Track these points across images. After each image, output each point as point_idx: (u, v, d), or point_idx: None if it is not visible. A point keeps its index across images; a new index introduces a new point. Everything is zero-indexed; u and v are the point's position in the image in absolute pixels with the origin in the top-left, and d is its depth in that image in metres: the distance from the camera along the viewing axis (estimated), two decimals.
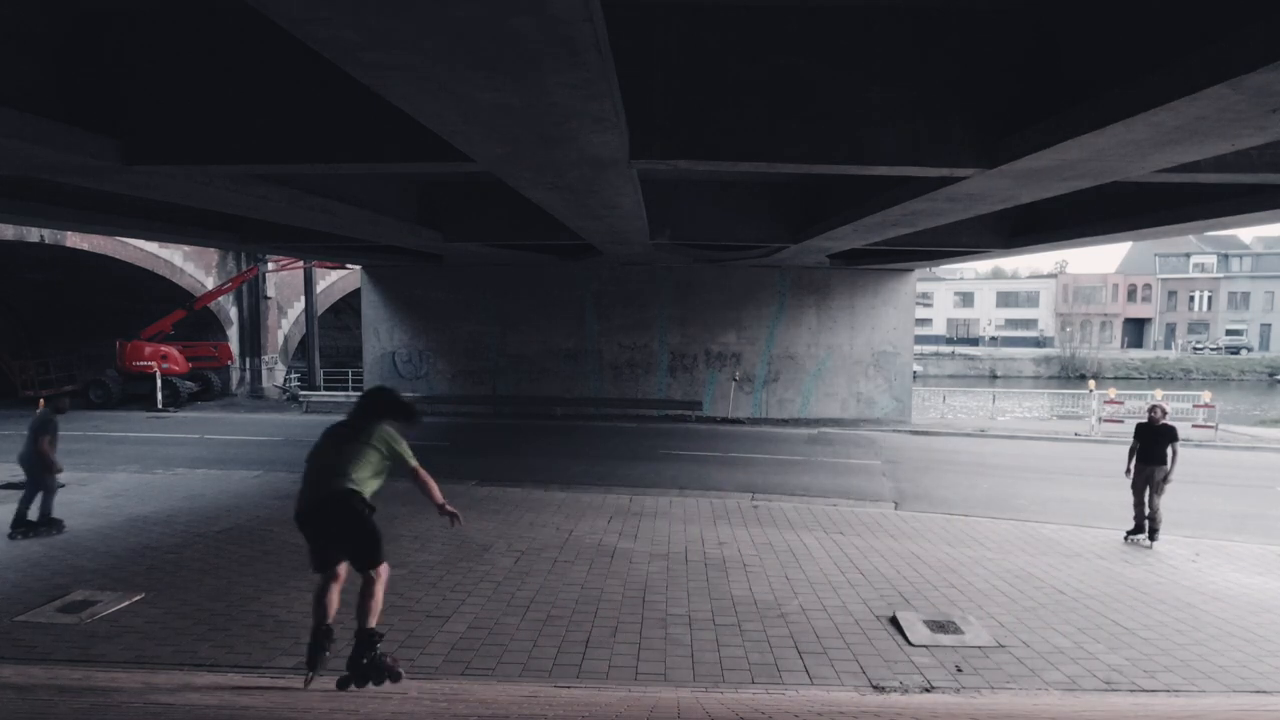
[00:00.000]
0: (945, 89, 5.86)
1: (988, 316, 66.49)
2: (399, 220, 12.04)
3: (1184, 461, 14.48)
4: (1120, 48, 4.71)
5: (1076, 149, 5.37)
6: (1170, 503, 10.62)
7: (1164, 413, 9.04)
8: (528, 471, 12.35)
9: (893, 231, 11.37)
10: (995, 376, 48.84)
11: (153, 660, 5.15)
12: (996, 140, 5.93)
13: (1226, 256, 61.67)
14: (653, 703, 4.40)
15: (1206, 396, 15.47)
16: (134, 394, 20.46)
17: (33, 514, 8.32)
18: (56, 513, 8.51)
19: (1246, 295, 60.85)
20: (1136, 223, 10.32)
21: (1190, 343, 58.84)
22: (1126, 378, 45.67)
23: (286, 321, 26.21)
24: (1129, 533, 8.81)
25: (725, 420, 19.58)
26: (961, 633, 5.81)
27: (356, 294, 23.53)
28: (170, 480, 11.18)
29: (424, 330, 21.00)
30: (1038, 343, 60.63)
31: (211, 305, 22.75)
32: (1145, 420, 9.08)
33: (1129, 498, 8.95)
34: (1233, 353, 55.23)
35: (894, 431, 18.18)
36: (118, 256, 19.65)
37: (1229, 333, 59.15)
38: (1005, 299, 67.23)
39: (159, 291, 21.76)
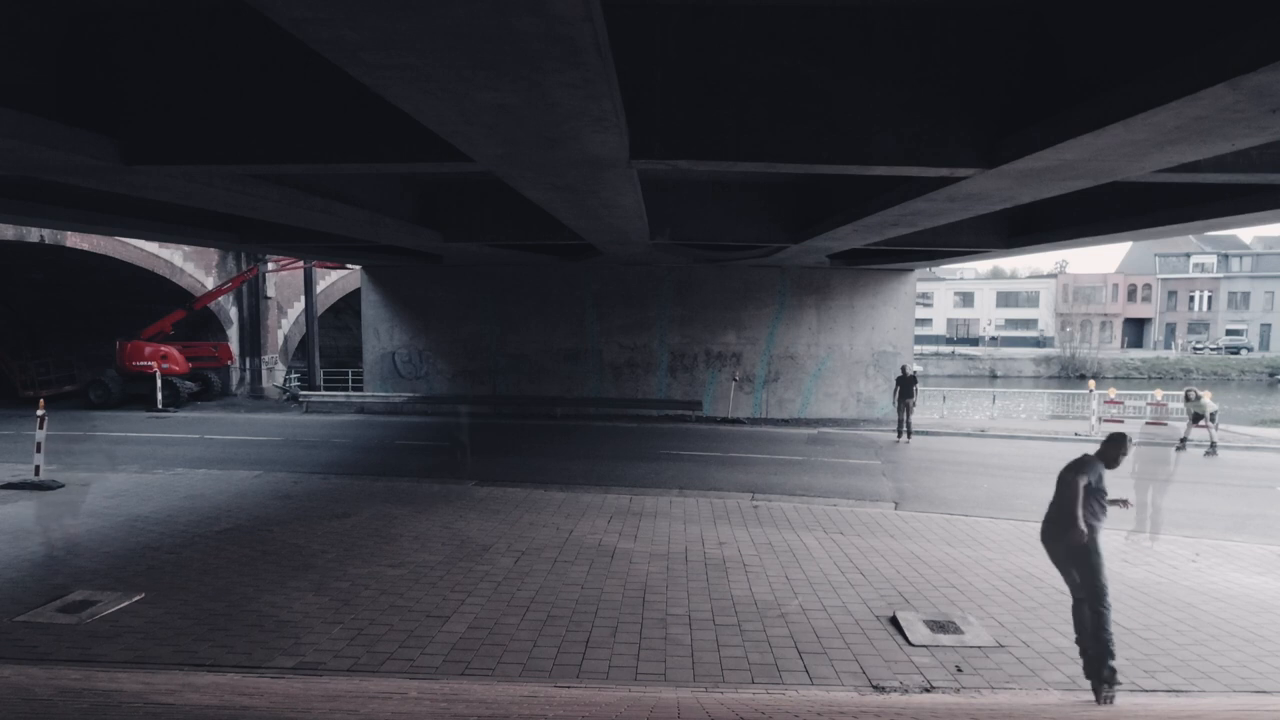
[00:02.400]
0: (945, 89, 5.86)
1: (988, 316, 66.52)
2: (399, 220, 12.05)
3: (1184, 461, 14.59)
4: (1120, 48, 4.71)
5: (1076, 149, 5.37)
6: (1170, 503, 10.60)
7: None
8: (528, 471, 12.35)
9: (893, 231, 11.37)
10: (995, 376, 48.85)
11: (153, 660, 5.15)
12: (996, 140, 5.93)
13: (1226, 256, 61.70)
14: (653, 703, 4.40)
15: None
16: (134, 394, 20.46)
17: None
18: (53, 515, 8.54)
19: (1246, 295, 60.89)
20: (1136, 223, 10.33)
21: (1190, 343, 58.87)
22: (1126, 378, 45.69)
23: (286, 321, 26.21)
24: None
25: (725, 420, 19.58)
26: (961, 633, 5.81)
27: (356, 294, 23.54)
28: (170, 480, 11.18)
29: (424, 330, 21.01)
30: (1038, 343, 60.66)
31: (211, 305, 22.75)
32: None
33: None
34: (1233, 353, 55.25)
35: (894, 431, 18.14)
36: (118, 256, 19.66)
37: (1229, 333, 59.18)
38: (1005, 299, 67.26)
39: (159, 291, 21.77)
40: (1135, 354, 55.28)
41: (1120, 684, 4.92)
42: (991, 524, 9.40)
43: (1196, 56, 3.90)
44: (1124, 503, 5.49)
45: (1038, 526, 9.06)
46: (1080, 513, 5.03)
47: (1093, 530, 5.07)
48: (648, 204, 10.13)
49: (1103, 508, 5.21)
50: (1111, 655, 4.92)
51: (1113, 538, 8.75)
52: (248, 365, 24.69)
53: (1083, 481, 5.11)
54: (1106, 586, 5.01)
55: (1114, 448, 5.37)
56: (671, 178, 11.68)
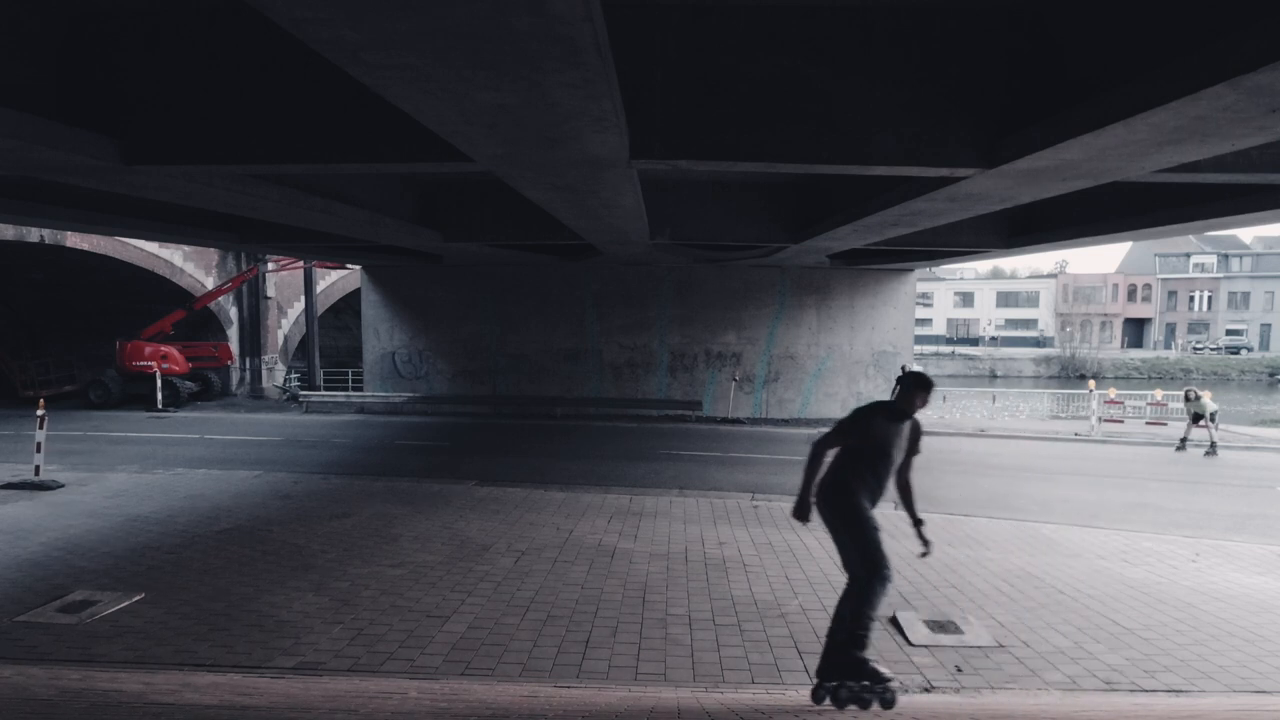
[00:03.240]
0: (945, 89, 5.86)
1: (988, 316, 66.53)
2: (398, 220, 12.05)
3: (1184, 461, 14.62)
4: (1120, 48, 4.71)
5: (1076, 149, 5.37)
6: (1170, 503, 10.62)
7: None
8: (528, 471, 12.35)
9: (893, 231, 11.38)
10: (995, 376, 48.87)
11: (153, 660, 5.15)
12: (996, 140, 5.93)
13: (1226, 256, 61.72)
14: (653, 703, 4.40)
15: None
16: (134, 394, 20.46)
17: None
18: (53, 515, 8.59)
19: (1246, 295, 60.91)
20: (1136, 223, 10.33)
21: (1190, 343, 58.89)
22: (1126, 378, 45.69)
23: (286, 321, 26.21)
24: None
25: (725, 420, 19.57)
26: (961, 633, 5.81)
27: (356, 294, 23.54)
28: (170, 480, 11.18)
29: (424, 330, 21.01)
30: (1038, 343, 60.66)
31: (211, 305, 22.76)
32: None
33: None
34: (1233, 353, 55.26)
35: None
36: (118, 256, 19.66)
37: (1229, 333, 59.20)
38: (1005, 299, 67.28)
39: (159, 291, 21.77)
40: (1135, 354, 55.30)
41: (893, 685, 4.12)
42: (991, 524, 9.40)
43: (1196, 56, 3.90)
44: (923, 545, 4.55)
45: (1038, 526, 9.14)
46: (815, 477, 4.22)
47: (849, 493, 4.19)
48: (648, 204, 10.13)
49: (878, 471, 4.25)
50: (862, 644, 4.11)
51: (1112, 537, 8.77)
52: (248, 365, 24.69)
53: (835, 443, 4.30)
54: (884, 559, 4.12)
55: (905, 393, 4.36)
56: (671, 178, 11.68)
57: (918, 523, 4.55)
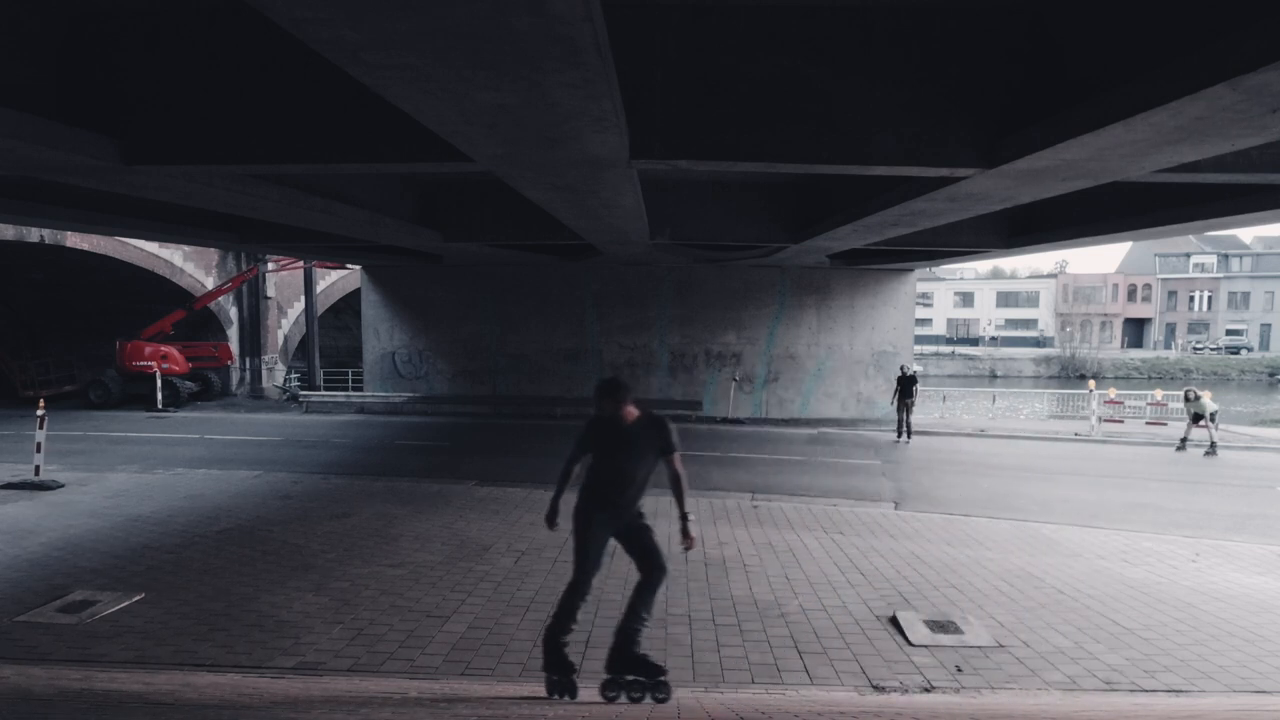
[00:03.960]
0: (945, 89, 5.86)
1: (988, 316, 66.53)
2: (399, 220, 12.05)
3: (1184, 462, 14.62)
4: (1120, 48, 4.71)
5: (1076, 149, 5.37)
6: (1170, 503, 10.60)
7: None
8: (528, 471, 12.34)
9: (893, 231, 11.38)
10: (995, 376, 48.87)
11: (153, 660, 5.15)
12: (996, 140, 5.93)
13: (1226, 256, 61.73)
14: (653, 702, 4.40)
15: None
16: (134, 394, 20.46)
17: None
18: (53, 515, 8.58)
19: (1246, 295, 60.92)
20: (1136, 223, 10.33)
21: (1190, 343, 58.90)
22: (1126, 378, 45.68)
23: (286, 321, 26.21)
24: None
25: (725, 420, 19.57)
26: (961, 633, 5.81)
27: (356, 294, 23.54)
28: (170, 480, 11.18)
29: (424, 330, 21.01)
30: (1038, 343, 60.66)
31: (211, 305, 22.75)
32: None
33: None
34: (1233, 353, 55.27)
35: (894, 431, 18.15)
36: (118, 256, 19.66)
37: (1229, 333, 59.21)
38: (1005, 299, 67.29)
39: (159, 291, 21.77)
40: (1135, 354, 55.30)
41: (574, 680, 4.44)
42: (991, 524, 9.40)
43: (1196, 56, 3.90)
44: (684, 539, 4.68)
45: (1039, 526, 9.14)
46: (562, 488, 4.53)
47: (580, 501, 4.45)
48: (648, 204, 10.13)
49: (607, 478, 4.39)
50: (561, 636, 4.47)
51: (1112, 537, 8.77)
52: (248, 365, 24.69)
53: (575, 456, 4.49)
54: (585, 576, 4.50)
55: (595, 399, 4.38)
56: (671, 178, 11.68)
57: (683, 516, 4.67)
